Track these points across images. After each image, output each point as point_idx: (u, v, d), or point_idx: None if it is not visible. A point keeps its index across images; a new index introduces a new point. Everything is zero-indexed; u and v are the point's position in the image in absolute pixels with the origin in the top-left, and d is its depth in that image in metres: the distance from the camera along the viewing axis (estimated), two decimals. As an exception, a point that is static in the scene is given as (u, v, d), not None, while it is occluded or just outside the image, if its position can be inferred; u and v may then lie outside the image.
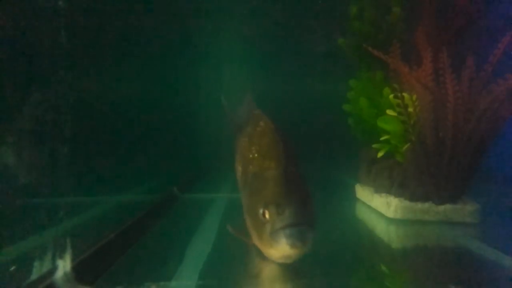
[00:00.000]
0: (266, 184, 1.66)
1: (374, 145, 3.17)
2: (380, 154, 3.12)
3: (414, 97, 2.67)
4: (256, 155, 1.86)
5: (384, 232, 2.64)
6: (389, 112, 2.88)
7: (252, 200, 1.69)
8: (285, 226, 1.49)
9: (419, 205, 2.72)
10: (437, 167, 2.65)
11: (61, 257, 1.61)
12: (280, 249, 1.51)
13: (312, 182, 1.87)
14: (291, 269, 1.70)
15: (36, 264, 1.59)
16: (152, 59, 4.64)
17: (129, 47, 4.31)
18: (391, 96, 2.86)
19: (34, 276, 1.52)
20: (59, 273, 1.52)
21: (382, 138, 3.06)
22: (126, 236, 2.13)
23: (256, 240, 1.67)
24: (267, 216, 1.55)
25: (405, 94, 2.68)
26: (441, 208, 2.69)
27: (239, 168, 2.20)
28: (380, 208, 2.93)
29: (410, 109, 2.68)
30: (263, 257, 1.74)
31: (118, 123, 4.10)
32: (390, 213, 2.77)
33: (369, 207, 3.12)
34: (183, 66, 4.96)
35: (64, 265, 1.56)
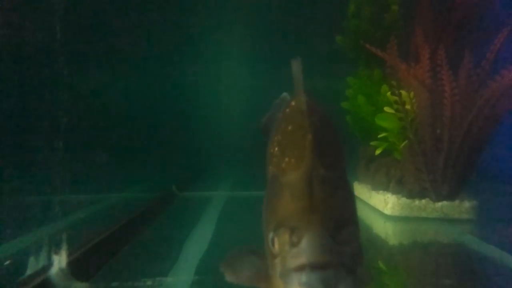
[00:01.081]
0: (281, 193, 1.02)
1: (372, 143, 3.18)
2: (378, 152, 3.13)
3: (412, 94, 2.67)
4: (276, 148, 1.22)
5: (382, 229, 2.65)
6: (387, 109, 2.88)
7: (265, 216, 1.11)
8: (301, 267, 0.86)
9: (417, 202, 2.72)
10: (435, 164, 2.65)
11: (57, 253, 1.62)
12: None
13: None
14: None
15: (33, 260, 1.60)
16: (155, 57, 4.65)
17: (134, 46, 4.32)
18: (388, 93, 2.86)
19: (30, 271, 1.53)
20: (55, 269, 1.52)
21: (380, 136, 3.06)
22: (123, 233, 2.14)
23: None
24: (276, 246, 0.94)
25: (402, 91, 2.69)
26: (439, 205, 2.69)
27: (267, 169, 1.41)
28: (378, 206, 2.94)
29: (408, 106, 2.68)
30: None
31: (118, 122, 4.11)
32: (387, 210, 2.77)
33: (367, 204, 3.12)
34: (186, 64, 4.97)
35: (60, 261, 1.57)
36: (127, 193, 3.65)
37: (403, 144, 2.84)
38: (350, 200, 1.03)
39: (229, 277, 1.16)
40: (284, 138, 1.19)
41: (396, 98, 2.66)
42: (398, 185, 2.87)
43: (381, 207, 2.86)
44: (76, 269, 1.58)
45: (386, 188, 2.97)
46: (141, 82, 4.53)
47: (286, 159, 1.09)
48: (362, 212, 3.01)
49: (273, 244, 0.95)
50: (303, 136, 1.06)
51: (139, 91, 4.48)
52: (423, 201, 2.73)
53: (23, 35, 2.14)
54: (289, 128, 1.18)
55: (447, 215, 2.67)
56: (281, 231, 0.92)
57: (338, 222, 0.90)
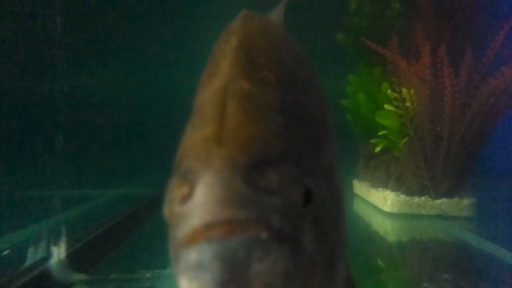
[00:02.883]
0: (188, 125, 0.66)
1: (372, 140, 3.18)
2: (377, 149, 3.13)
3: (412, 91, 2.67)
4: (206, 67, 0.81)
5: (381, 225, 2.65)
6: (387, 106, 2.88)
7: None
8: (192, 237, 0.51)
9: (416, 199, 2.73)
10: (434, 161, 2.66)
11: (57, 245, 1.62)
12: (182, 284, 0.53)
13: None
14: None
15: (32, 251, 1.60)
16: (154, 54, 4.65)
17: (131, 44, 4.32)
18: (389, 90, 2.86)
19: (29, 262, 1.53)
20: (54, 260, 1.53)
21: (380, 133, 3.07)
22: (123, 226, 2.14)
23: None
24: (166, 209, 0.59)
25: (403, 89, 2.69)
26: (437, 202, 2.69)
27: None
28: (377, 203, 2.94)
29: (408, 104, 2.68)
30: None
31: (118, 118, 4.11)
32: (387, 207, 2.77)
33: (366, 201, 3.12)
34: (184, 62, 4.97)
35: (59, 253, 1.57)
36: (129, 188, 3.66)
37: (403, 142, 2.84)
38: (305, 132, 0.64)
39: None
40: (211, 55, 0.77)
41: (396, 95, 2.66)
42: (398, 182, 2.87)
43: (381, 204, 2.86)
44: (75, 261, 1.59)
45: (385, 185, 2.97)
46: (146, 78, 4.54)
47: (204, 78, 0.71)
48: (361, 209, 3.01)
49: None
50: (226, 41, 0.70)
51: (142, 87, 4.50)
52: (422, 198, 2.73)
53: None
54: (219, 41, 0.77)
55: (446, 212, 2.68)
56: (171, 182, 0.56)
57: (261, 158, 0.53)
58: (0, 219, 2.27)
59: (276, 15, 0.99)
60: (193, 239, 0.49)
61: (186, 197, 0.51)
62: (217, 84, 0.62)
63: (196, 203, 0.49)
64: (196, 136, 0.56)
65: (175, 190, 0.53)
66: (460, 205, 2.68)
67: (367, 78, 3.37)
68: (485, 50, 2.51)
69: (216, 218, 0.48)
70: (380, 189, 2.97)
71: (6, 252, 1.77)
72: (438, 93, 2.55)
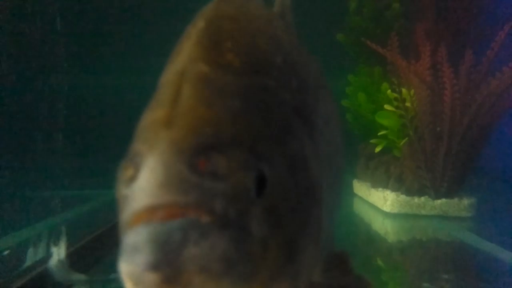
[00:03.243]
0: (149, 105, 0.63)
1: (371, 141, 3.18)
2: (377, 149, 3.13)
3: (412, 91, 2.67)
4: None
5: (381, 226, 2.65)
6: (387, 107, 2.88)
7: None
8: (133, 219, 0.51)
9: (416, 200, 2.73)
10: (434, 161, 2.66)
11: (57, 245, 1.62)
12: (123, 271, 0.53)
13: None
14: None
15: (32, 251, 1.60)
16: (154, 55, 4.63)
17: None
18: (389, 90, 2.86)
19: (29, 263, 1.53)
20: (54, 260, 1.52)
21: (380, 133, 3.06)
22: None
23: None
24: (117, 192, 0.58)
25: (402, 89, 2.69)
26: (437, 202, 2.69)
27: None
28: (377, 203, 2.94)
29: (408, 104, 2.68)
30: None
31: (120, 118, 4.11)
32: (387, 208, 2.77)
33: (366, 202, 3.12)
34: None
35: (59, 253, 1.57)
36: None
37: (403, 142, 2.84)
38: (269, 118, 0.60)
39: None
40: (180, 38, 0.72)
41: (396, 95, 2.66)
42: (398, 183, 2.88)
43: (380, 204, 2.86)
44: (75, 261, 1.58)
45: (385, 185, 2.97)
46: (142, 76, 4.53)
47: (168, 60, 0.69)
48: (361, 210, 3.01)
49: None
50: (194, 24, 0.67)
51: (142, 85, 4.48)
52: (422, 198, 2.73)
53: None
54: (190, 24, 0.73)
55: (446, 213, 2.68)
56: (121, 164, 0.54)
57: (208, 142, 0.51)
58: (0, 219, 2.27)
59: (278, 2, 0.96)
60: (133, 222, 0.49)
61: (131, 180, 0.50)
62: (177, 67, 0.60)
63: (139, 186, 0.49)
64: (148, 119, 0.55)
65: (122, 172, 0.53)
66: (460, 206, 2.68)
67: (367, 78, 3.37)
68: (485, 50, 2.51)
69: (156, 202, 0.48)
70: (380, 189, 2.97)
71: (6, 252, 1.77)
72: (438, 93, 2.55)
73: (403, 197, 2.76)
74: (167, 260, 0.46)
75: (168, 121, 0.52)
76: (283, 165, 0.58)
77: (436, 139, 2.62)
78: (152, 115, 0.55)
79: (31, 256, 1.62)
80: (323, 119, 0.83)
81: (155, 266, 0.46)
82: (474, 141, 2.57)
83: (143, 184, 0.49)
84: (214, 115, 0.53)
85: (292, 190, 0.58)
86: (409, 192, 2.77)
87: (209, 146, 0.51)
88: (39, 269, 1.45)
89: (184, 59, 0.60)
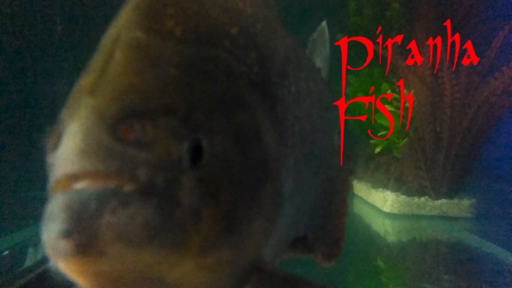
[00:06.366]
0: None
1: (371, 141, 3.18)
2: (377, 150, 3.12)
3: (412, 91, 2.67)
4: None
5: (381, 226, 2.65)
6: (387, 107, 2.88)
7: None
8: (54, 185, 0.50)
9: (416, 200, 2.73)
10: (434, 162, 2.66)
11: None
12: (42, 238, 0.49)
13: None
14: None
15: (32, 251, 1.60)
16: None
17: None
18: (389, 91, 2.86)
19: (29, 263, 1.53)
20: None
21: (379, 134, 3.06)
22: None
23: None
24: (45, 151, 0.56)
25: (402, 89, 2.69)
26: (437, 202, 2.69)
27: None
28: (377, 203, 2.94)
29: (408, 104, 2.68)
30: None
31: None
32: (386, 208, 2.77)
33: (366, 202, 3.12)
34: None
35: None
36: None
37: (403, 142, 2.84)
38: (212, 88, 0.57)
39: None
40: None
41: (396, 96, 2.66)
42: (397, 183, 2.88)
43: (380, 204, 2.86)
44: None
45: (385, 186, 2.97)
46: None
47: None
48: (361, 210, 3.01)
49: None
50: None
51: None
52: (422, 198, 2.73)
53: None
54: None
55: (446, 213, 2.68)
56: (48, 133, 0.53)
57: (134, 109, 0.49)
58: (0, 219, 2.27)
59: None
60: (53, 190, 0.48)
61: (55, 148, 0.49)
62: (112, 32, 0.58)
63: (60, 153, 0.48)
64: (76, 87, 0.53)
65: (48, 140, 0.52)
66: (460, 206, 2.68)
67: (367, 79, 3.37)
68: (485, 50, 2.51)
69: (75, 170, 0.47)
70: (380, 189, 2.97)
71: (6, 252, 1.77)
72: (438, 93, 2.55)
73: (403, 197, 2.76)
74: (80, 228, 0.45)
75: (93, 88, 0.51)
76: (228, 137, 0.56)
77: (436, 140, 2.62)
78: (80, 82, 0.53)
79: (31, 256, 1.62)
80: (295, 96, 0.80)
81: (67, 234, 0.45)
82: (474, 141, 2.57)
83: (64, 152, 0.48)
84: (143, 83, 0.52)
85: (237, 163, 0.56)
86: (409, 193, 2.77)
87: (134, 113, 0.49)
88: (39, 269, 1.45)
89: (120, 24, 0.58)
